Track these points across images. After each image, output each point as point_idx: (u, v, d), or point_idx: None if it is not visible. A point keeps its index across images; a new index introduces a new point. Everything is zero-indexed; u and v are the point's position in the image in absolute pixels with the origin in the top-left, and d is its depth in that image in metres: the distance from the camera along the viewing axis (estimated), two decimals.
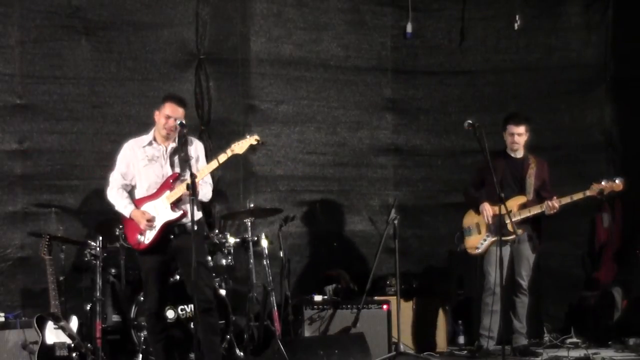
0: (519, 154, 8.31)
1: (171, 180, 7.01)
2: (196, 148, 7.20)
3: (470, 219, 8.38)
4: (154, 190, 7.06)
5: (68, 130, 8.90)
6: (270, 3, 9.59)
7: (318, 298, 8.52)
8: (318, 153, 9.75)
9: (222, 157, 7.00)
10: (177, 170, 7.03)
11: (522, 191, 8.16)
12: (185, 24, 9.25)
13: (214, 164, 7.03)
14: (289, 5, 9.66)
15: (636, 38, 9.61)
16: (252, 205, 8.66)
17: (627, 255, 9.35)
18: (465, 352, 8.60)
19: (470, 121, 8.04)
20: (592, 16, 9.89)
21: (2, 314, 7.92)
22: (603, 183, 8.02)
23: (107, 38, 9.01)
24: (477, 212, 8.30)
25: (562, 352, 8.23)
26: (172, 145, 7.09)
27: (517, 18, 9.70)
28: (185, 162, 6.88)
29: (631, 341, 8.60)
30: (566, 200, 8.06)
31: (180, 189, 6.92)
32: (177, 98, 7.22)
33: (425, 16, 9.97)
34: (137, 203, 7.09)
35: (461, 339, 8.99)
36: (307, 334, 8.30)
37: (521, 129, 8.26)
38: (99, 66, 8.99)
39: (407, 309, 8.52)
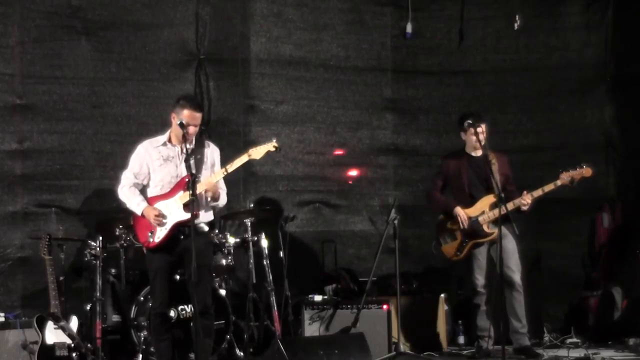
0: (479, 152, 8.19)
1: (187, 180, 6.89)
2: (212, 152, 7.18)
3: (443, 226, 8.32)
4: (167, 190, 7.04)
5: (68, 130, 8.90)
6: (270, 3, 9.60)
7: (318, 298, 8.51)
8: (318, 153, 9.76)
9: (239, 162, 6.99)
10: (194, 171, 6.93)
11: (489, 190, 8.03)
12: (185, 24, 9.26)
13: (222, 172, 7.00)
14: (289, 5, 9.66)
15: (636, 38, 9.60)
16: (252, 205, 8.66)
17: (627, 255, 9.34)
18: (466, 352, 8.60)
19: (470, 121, 8.04)
20: (592, 16, 9.87)
21: (2, 314, 7.91)
22: (571, 171, 7.99)
23: (107, 38, 9.02)
24: (448, 216, 8.25)
25: (562, 352, 8.21)
26: (189, 146, 7.01)
27: (517, 18, 9.67)
28: (198, 162, 6.85)
29: (631, 341, 8.59)
30: (538, 192, 7.98)
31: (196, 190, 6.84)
32: (195, 104, 7.10)
33: (425, 16, 9.97)
34: (149, 201, 7.06)
35: (461, 339, 8.98)
36: (307, 334, 8.30)
37: (482, 127, 8.13)
38: (99, 66, 9.00)
39: (407, 309, 8.52)
